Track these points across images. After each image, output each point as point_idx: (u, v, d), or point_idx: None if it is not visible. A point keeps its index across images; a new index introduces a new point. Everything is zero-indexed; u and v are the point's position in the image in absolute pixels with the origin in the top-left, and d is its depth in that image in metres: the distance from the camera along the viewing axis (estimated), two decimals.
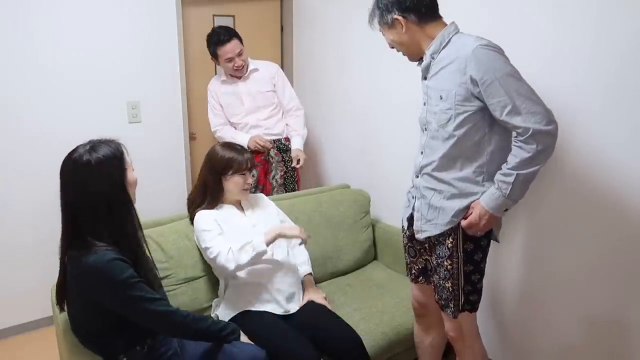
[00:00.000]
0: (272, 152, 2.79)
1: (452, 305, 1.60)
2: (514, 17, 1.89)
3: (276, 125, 2.83)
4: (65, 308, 1.51)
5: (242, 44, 2.68)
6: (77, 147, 1.38)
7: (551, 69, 1.78)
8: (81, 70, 2.54)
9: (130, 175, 1.42)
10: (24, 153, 2.45)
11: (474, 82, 1.40)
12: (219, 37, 2.61)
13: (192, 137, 3.10)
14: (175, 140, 2.92)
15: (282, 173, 2.83)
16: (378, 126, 2.70)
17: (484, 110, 1.45)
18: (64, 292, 1.48)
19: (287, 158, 2.83)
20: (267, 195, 2.43)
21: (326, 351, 1.77)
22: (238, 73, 2.72)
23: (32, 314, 2.61)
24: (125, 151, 1.42)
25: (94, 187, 1.33)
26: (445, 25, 1.53)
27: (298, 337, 1.74)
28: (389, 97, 2.58)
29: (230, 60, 2.64)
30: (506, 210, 1.50)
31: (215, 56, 2.68)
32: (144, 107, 2.77)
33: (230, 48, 2.61)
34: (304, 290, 2.04)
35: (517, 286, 2.05)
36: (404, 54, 1.62)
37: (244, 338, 1.65)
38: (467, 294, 1.59)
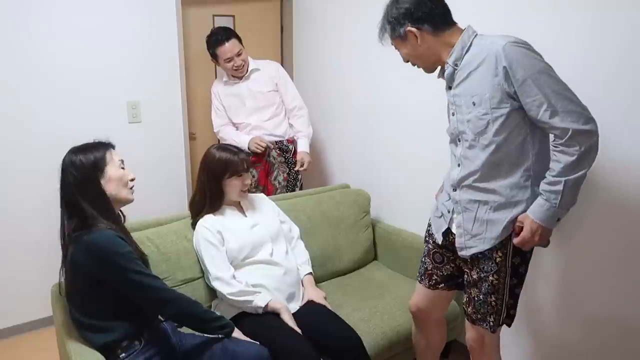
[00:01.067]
0: (274, 153, 2.78)
1: (491, 320, 1.52)
2: (514, 17, 1.89)
3: (278, 127, 2.82)
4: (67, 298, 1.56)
5: (241, 43, 2.69)
6: (71, 149, 1.55)
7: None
8: (81, 70, 2.54)
9: (113, 171, 1.54)
10: (24, 153, 2.45)
11: (507, 79, 1.33)
12: (217, 38, 2.63)
13: (192, 137, 3.10)
14: (175, 140, 2.92)
15: (285, 175, 2.82)
16: (378, 126, 2.69)
17: (522, 110, 1.37)
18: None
19: (289, 159, 2.82)
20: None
21: (326, 351, 1.76)
22: (238, 73, 2.72)
23: (32, 314, 2.62)
24: (110, 150, 1.57)
25: (73, 178, 1.49)
26: (461, 30, 1.47)
27: (298, 337, 1.74)
28: (390, 97, 2.58)
29: (230, 60, 2.65)
30: (558, 220, 1.40)
31: (215, 57, 2.69)
32: (144, 107, 2.77)
33: (229, 48, 2.62)
34: (304, 290, 2.04)
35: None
36: (419, 67, 1.56)
37: (238, 334, 1.65)
38: (509, 308, 1.53)
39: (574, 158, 1.31)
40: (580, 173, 1.32)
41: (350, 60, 2.82)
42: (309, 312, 1.92)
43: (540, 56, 1.36)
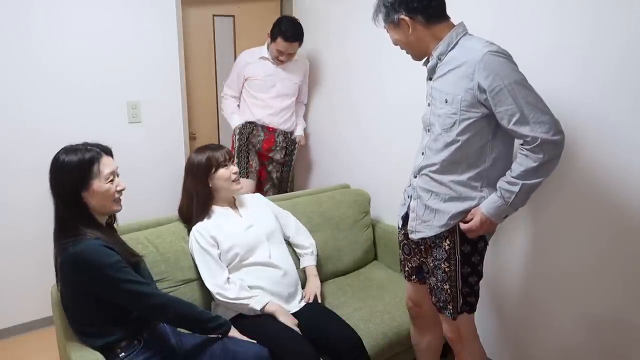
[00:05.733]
0: (281, 137, 2.99)
1: (450, 308, 1.59)
2: (514, 19, 1.89)
3: (290, 119, 3.00)
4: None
5: (300, 46, 2.82)
6: (65, 146, 1.50)
7: (551, 69, 1.78)
8: (81, 71, 2.54)
9: (98, 186, 1.46)
10: (24, 153, 2.45)
11: (481, 89, 1.39)
12: (286, 34, 2.72)
13: (192, 137, 3.10)
14: (176, 140, 2.92)
15: (281, 157, 3.02)
16: (379, 126, 2.69)
17: (489, 117, 1.43)
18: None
19: (289, 148, 3.04)
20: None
21: (326, 351, 1.77)
22: (277, 62, 2.85)
23: (32, 314, 2.62)
24: (100, 160, 1.47)
25: (55, 183, 1.46)
26: (454, 25, 1.50)
27: (297, 337, 1.74)
28: (390, 97, 2.58)
29: (281, 54, 2.77)
30: (506, 216, 1.50)
31: (273, 38, 2.77)
32: (144, 107, 2.77)
33: (289, 47, 2.75)
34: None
35: (518, 285, 2.05)
36: (407, 53, 1.60)
37: (235, 333, 1.65)
38: (465, 296, 1.58)
39: (535, 164, 1.38)
40: (537, 180, 1.40)
41: (350, 60, 2.82)
42: (309, 312, 1.92)
43: (517, 67, 1.41)
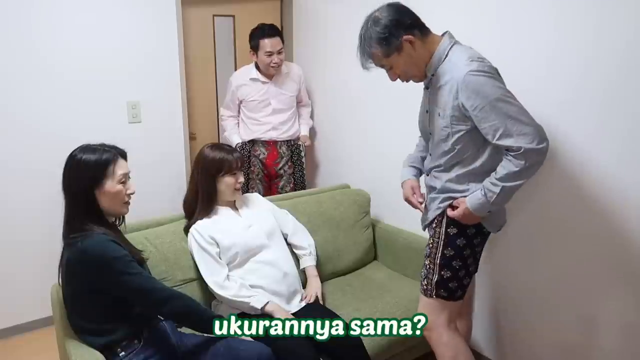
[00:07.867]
0: (284, 148, 2.96)
1: (425, 283, 1.66)
2: (511, 27, 1.89)
3: (291, 128, 2.98)
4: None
5: (283, 44, 2.79)
6: (82, 145, 1.53)
7: (548, 74, 1.78)
8: (81, 70, 2.54)
9: (110, 186, 1.50)
10: (24, 153, 2.45)
11: (464, 108, 1.45)
12: (263, 31, 2.72)
13: (192, 137, 3.10)
14: (176, 140, 2.92)
15: (291, 169, 3.01)
16: (378, 126, 2.69)
17: (477, 129, 1.49)
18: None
19: (298, 156, 3.01)
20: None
21: (326, 351, 1.77)
22: (272, 70, 2.80)
23: (32, 314, 2.62)
24: (116, 161, 1.52)
25: (69, 179, 1.49)
26: (437, 36, 1.55)
27: (297, 337, 1.74)
28: (390, 97, 2.58)
29: (270, 54, 2.72)
30: (489, 212, 1.55)
31: (255, 48, 2.75)
32: (144, 107, 2.77)
33: (272, 43, 2.71)
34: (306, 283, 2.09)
35: (517, 285, 2.05)
36: (410, 79, 1.61)
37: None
38: (446, 280, 1.61)
39: (516, 169, 1.43)
40: (517, 183, 1.46)
41: (350, 60, 2.78)
42: (309, 312, 1.92)
43: (498, 81, 1.45)
